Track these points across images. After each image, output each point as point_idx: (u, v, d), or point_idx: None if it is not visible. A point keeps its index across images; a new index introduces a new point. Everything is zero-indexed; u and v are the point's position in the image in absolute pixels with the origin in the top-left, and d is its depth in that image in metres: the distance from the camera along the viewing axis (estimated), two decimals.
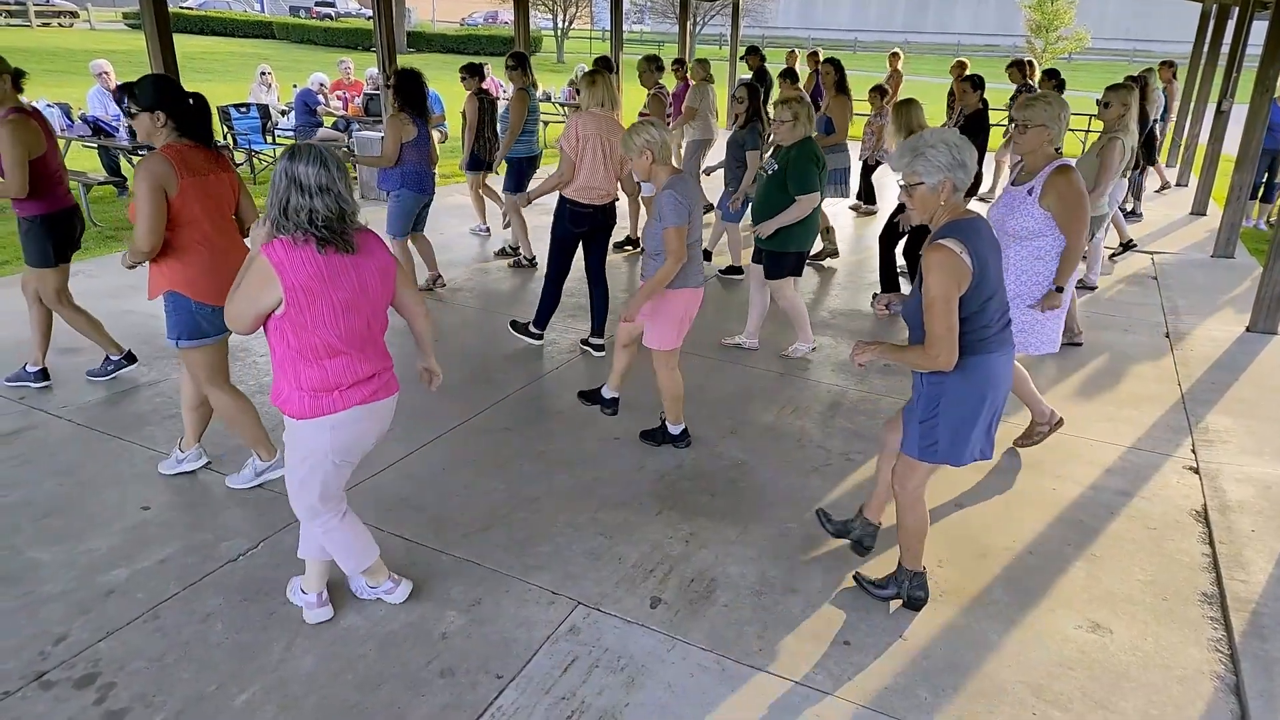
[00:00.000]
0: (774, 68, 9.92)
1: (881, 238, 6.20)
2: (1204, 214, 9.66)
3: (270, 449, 3.65)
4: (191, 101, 3.32)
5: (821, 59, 10.33)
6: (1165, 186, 11.17)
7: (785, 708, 2.57)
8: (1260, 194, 9.42)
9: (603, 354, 5.25)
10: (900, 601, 3.01)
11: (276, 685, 2.59)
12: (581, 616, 2.93)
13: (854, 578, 3.12)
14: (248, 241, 3.04)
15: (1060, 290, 3.86)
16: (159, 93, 3.23)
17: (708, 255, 7.16)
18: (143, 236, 3.17)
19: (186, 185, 3.22)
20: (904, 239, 6.08)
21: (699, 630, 2.88)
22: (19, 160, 3.97)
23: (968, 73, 7.45)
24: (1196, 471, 4.03)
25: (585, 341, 5.33)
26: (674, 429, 4.12)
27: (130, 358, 4.72)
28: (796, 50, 11.14)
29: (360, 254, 2.47)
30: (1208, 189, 9.70)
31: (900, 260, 6.30)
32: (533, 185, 5.96)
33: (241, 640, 2.77)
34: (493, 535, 3.37)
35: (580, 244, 5.11)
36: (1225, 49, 10.75)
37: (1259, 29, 9.95)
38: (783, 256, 5.00)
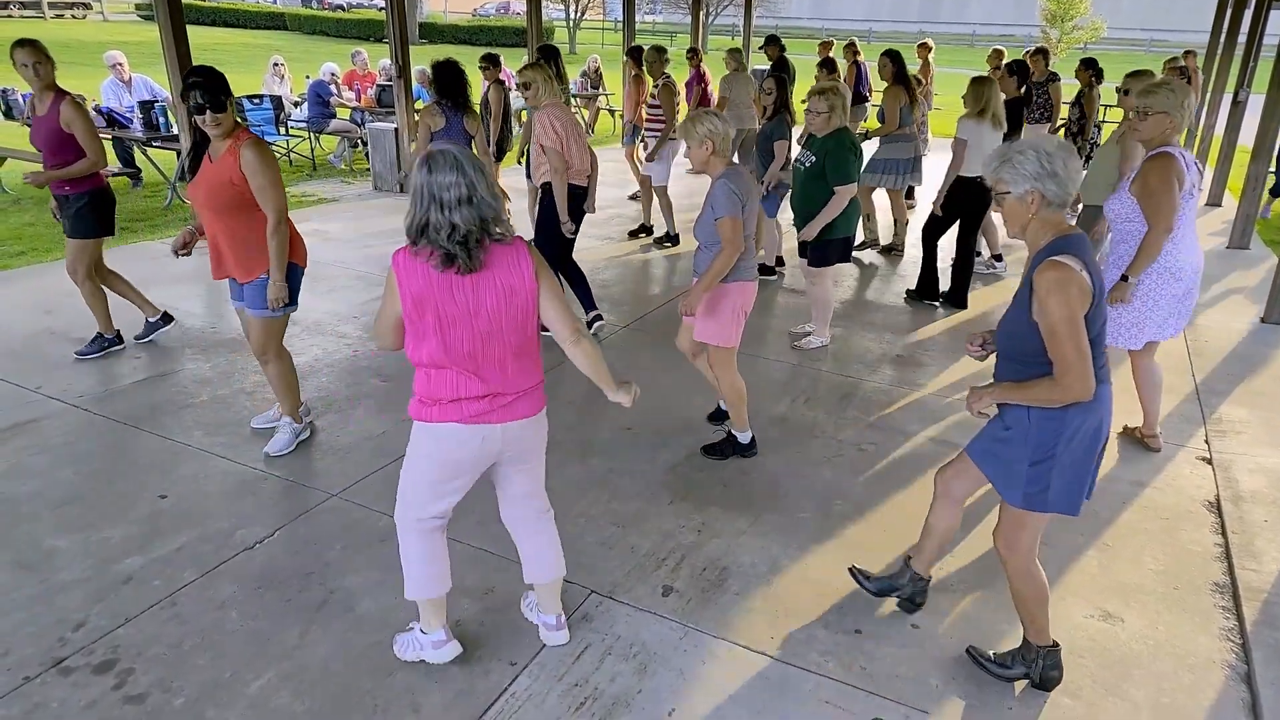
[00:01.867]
0: (792, 58, 9.87)
1: (925, 231, 6.09)
2: (1219, 205, 9.58)
3: (298, 417, 3.97)
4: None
5: (857, 51, 10.27)
6: None
7: (797, 695, 2.58)
8: (1272, 186, 9.29)
9: (602, 321, 5.40)
10: (1029, 682, 2.64)
11: (292, 672, 2.62)
12: (594, 605, 2.95)
13: (968, 652, 2.74)
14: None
15: (1126, 280, 3.68)
16: (223, 81, 3.46)
17: (773, 267, 6.93)
18: (282, 212, 3.56)
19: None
20: (952, 227, 5.97)
21: (710, 618, 2.89)
22: (96, 134, 4.49)
23: (1005, 61, 7.38)
24: (1210, 462, 4.01)
25: (589, 324, 5.36)
26: (742, 437, 3.94)
27: (119, 339, 4.96)
28: (834, 40, 11.02)
29: (484, 270, 2.29)
30: (1223, 180, 9.61)
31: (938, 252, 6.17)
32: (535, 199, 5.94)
33: (257, 627, 2.80)
34: None
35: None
36: (1242, 39, 10.61)
37: (1276, 19, 9.84)
38: (828, 245, 5.01)
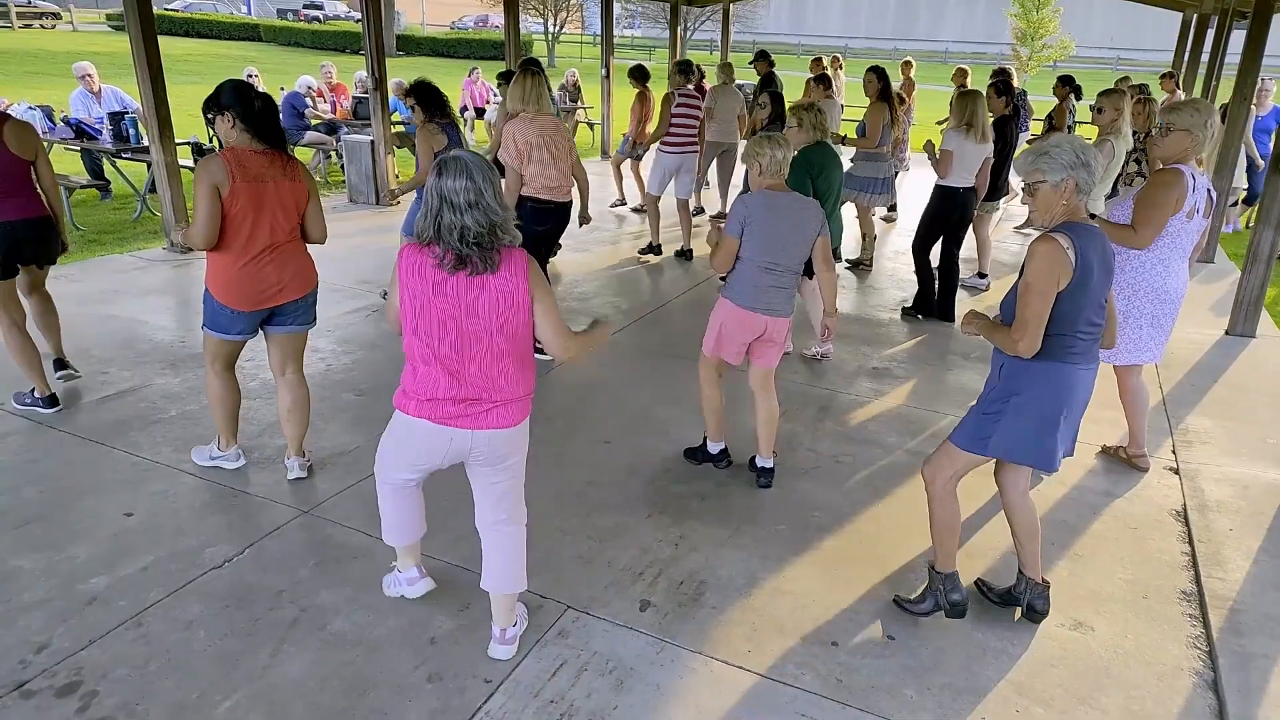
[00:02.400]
0: (779, 74, 9.96)
1: (915, 248, 6.10)
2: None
3: (230, 442, 3.81)
4: (259, 104, 3.33)
5: (847, 66, 10.38)
6: None
7: (773, 709, 2.58)
8: (1247, 199, 9.52)
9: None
10: (942, 613, 2.91)
11: (262, 692, 2.58)
12: (571, 620, 2.93)
13: (894, 601, 3.04)
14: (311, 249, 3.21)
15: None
16: (234, 93, 3.30)
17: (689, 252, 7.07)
18: (197, 233, 3.28)
19: (239, 189, 3.26)
20: (936, 242, 6.00)
21: (688, 632, 2.89)
22: None
23: (968, 82, 7.48)
24: (1176, 472, 4.08)
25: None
26: (713, 448, 3.97)
27: (52, 401, 4.30)
28: (823, 57, 11.15)
29: (484, 274, 2.36)
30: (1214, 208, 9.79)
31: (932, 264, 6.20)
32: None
33: (226, 647, 2.75)
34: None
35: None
36: (1205, 58, 10.89)
37: (1237, 38, 10.10)
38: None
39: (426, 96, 5.43)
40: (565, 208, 5.11)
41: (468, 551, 3.27)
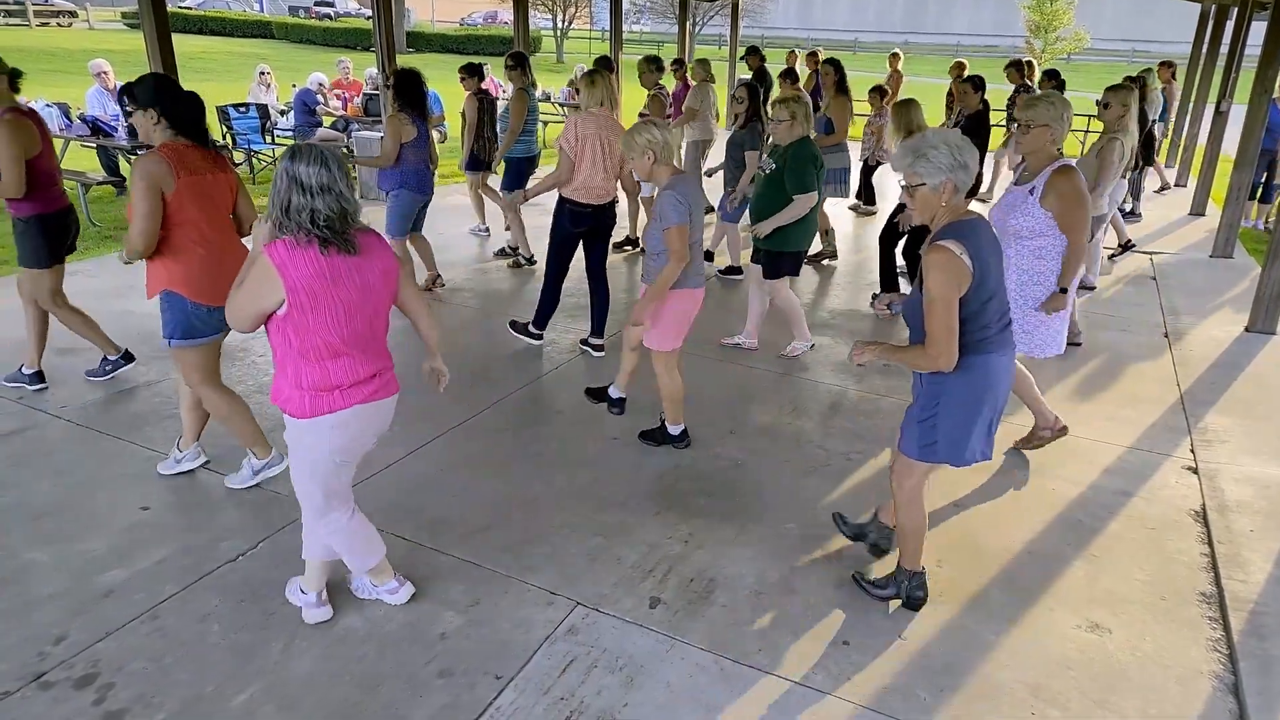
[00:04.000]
0: (774, 68, 9.92)
1: (881, 238, 6.20)
2: (1203, 214, 9.67)
3: (266, 447, 3.65)
4: (186, 100, 3.31)
5: (821, 59, 10.33)
6: (1165, 187, 11.16)
7: (784, 708, 2.57)
8: (1259, 194, 9.42)
9: (602, 354, 5.24)
10: (899, 601, 3.00)
11: (275, 686, 2.59)
12: (580, 617, 2.93)
13: (853, 578, 3.12)
14: (246, 241, 3.06)
15: (1064, 291, 3.82)
16: (156, 91, 3.25)
17: (709, 256, 7.14)
18: (137, 235, 3.18)
19: (183, 184, 3.22)
20: (904, 239, 6.07)
21: (697, 630, 2.88)
22: (15, 159, 3.96)
23: (967, 74, 7.44)
24: (1195, 471, 4.03)
25: (585, 342, 5.33)
26: (674, 429, 4.12)
27: (128, 356, 4.72)
28: (796, 50, 11.12)
29: (363, 255, 2.46)
30: (1206, 189, 9.71)
31: (900, 261, 6.30)
32: (531, 183, 5.94)
33: (240, 641, 2.76)
34: (491, 536, 3.37)
35: (580, 244, 5.11)
36: (1224, 49, 10.75)
37: (1258, 29, 9.95)
38: (780, 256, 5.01)
39: (403, 85, 5.48)
40: (604, 210, 5.03)
41: (475, 549, 3.28)
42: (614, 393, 4.40)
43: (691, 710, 2.55)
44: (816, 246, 7.63)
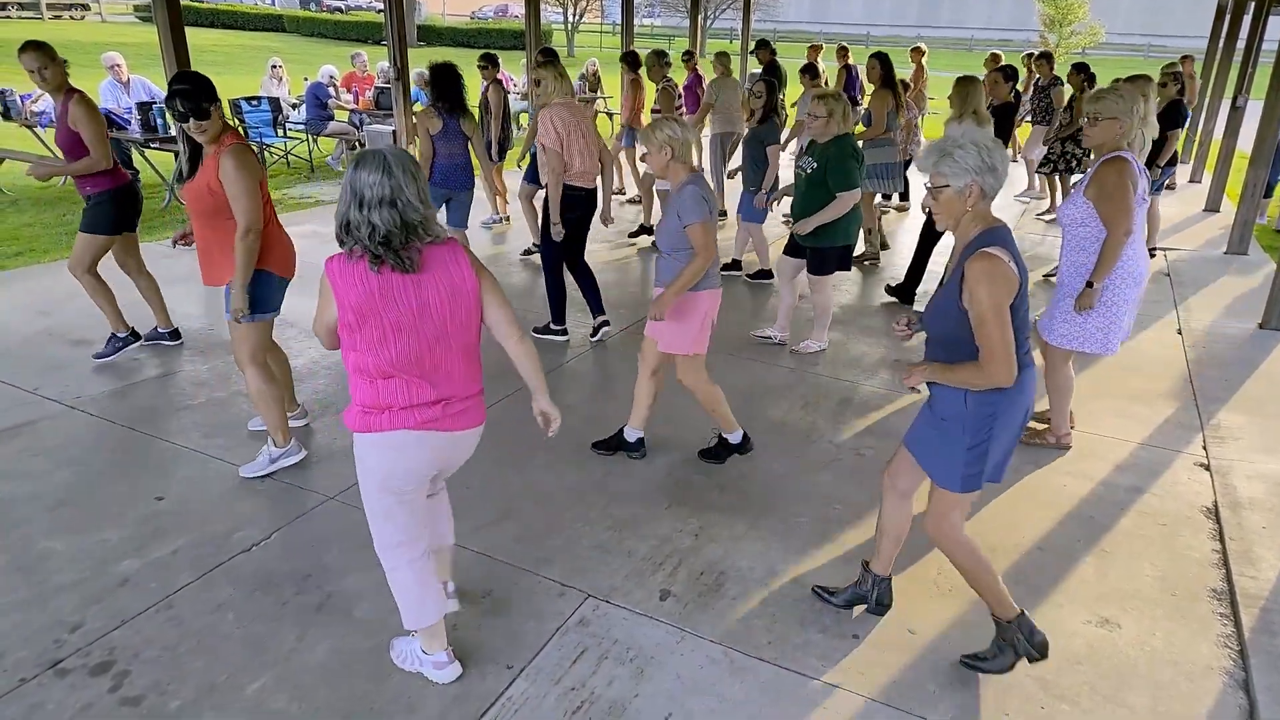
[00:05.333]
0: (784, 62, 9.88)
1: (922, 235, 6.12)
2: (1217, 210, 9.59)
3: (286, 435, 3.73)
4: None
5: (851, 55, 10.29)
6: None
7: (793, 700, 2.58)
8: (1270, 192, 9.32)
9: (609, 327, 5.38)
10: (1026, 659, 2.64)
11: (288, 675, 2.61)
12: (591, 609, 2.94)
13: (963, 663, 2.71)
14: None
15: (1091, 286, 3.70)
16: (209, 86, 3.45)
17: (737, 264, 6.95)
18: (255, 215, 3.43)
19: (260, 170, 3.52)
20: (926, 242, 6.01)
21: (708, 623, 2.89)
22: (102, 135, 4.44)
23: (1001, 64, 7.41)
24: (1208, 468, 4.01)
25: (594, 330, 5.35)
26: (733, 437, 3.93)
27: (134, 335, 4.91)
28: (821, 44, 11.04)
29: (425, 272, 2.24)
30: (1221, 185, 9.63)
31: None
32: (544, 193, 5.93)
33: (253, 630, 2.79)
34: (504, 528, 3.39)
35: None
36: (1241, 44, 10.64)
37: (1275, 24, 9.86)
38: (827, 252, 5.03)
39: (439, 79, 5.49)
40: (593, 195, 5.18)
41: (489, 540, 3.30)
42: (631, 434, 3.95)
43: (701, 702, 2.57)
44: (860, 247, 7.61)
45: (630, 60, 8.55)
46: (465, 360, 2.38)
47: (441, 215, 6.09)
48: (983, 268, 2.30)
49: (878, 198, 7.44)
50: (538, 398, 2.52)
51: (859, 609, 2.96)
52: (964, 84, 5.76)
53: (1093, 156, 3.83)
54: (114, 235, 4.69)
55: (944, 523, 2.57)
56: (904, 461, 2.76)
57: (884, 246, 7.46)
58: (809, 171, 4.94)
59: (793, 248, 5.26)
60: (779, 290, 5.41)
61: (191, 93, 3.32)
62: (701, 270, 3.53)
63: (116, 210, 4.64)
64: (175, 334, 5.05)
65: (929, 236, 6.09)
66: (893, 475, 2.80)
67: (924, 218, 6.21)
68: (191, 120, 3.35)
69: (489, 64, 7.53)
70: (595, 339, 5.36)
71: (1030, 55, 9.97)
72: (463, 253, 2.33)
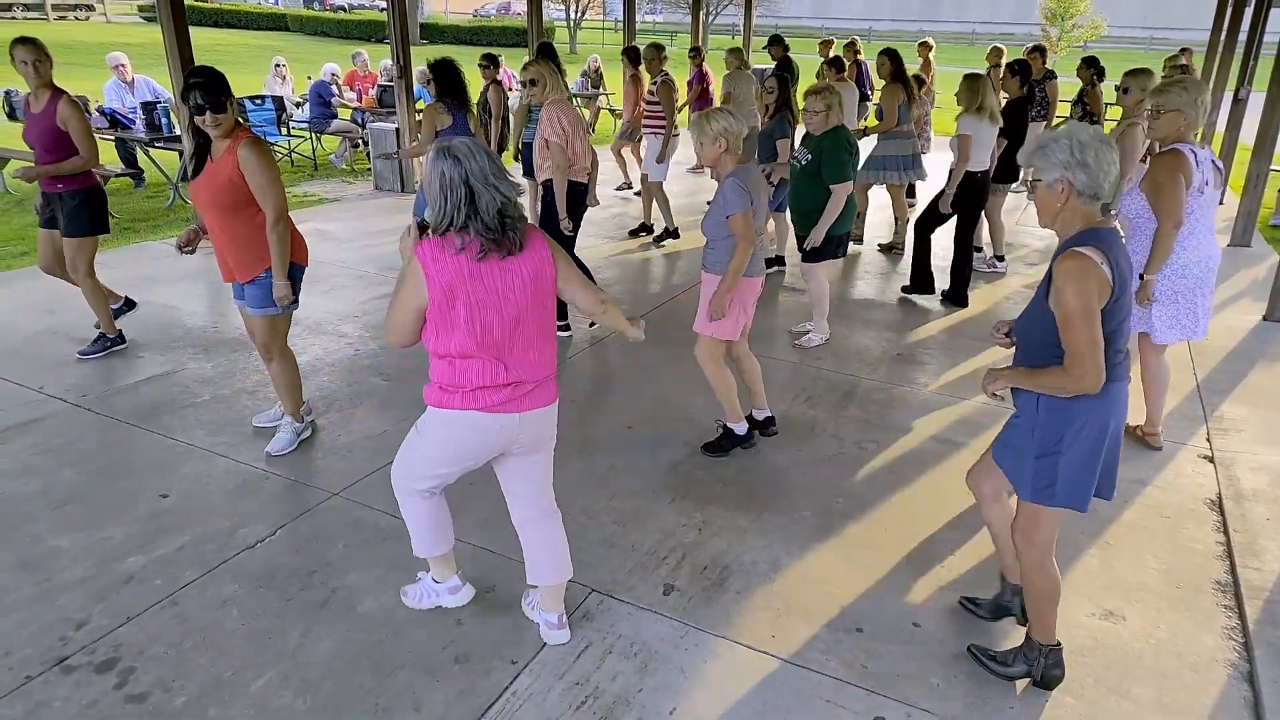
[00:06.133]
0: (793, 57, 9.85)
1: (918, 225, 6.16)
2: (1220, 203, 9.55)
3: (301, 410, 3.98)
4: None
5: (861, 49, 10.26)
6: None
7: (798, 694, 2.58)
8: None
9: (595, 327, 5.41)
10: (1030, 680, 2.62)
11: (293, 671, 2.62)
12: (595, 603, 2.95)
13: (970, 651, 2.73)
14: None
15: (1143, 279, 3.70)
16: (223, 81, 3.49)
17: (781, 260, 6.95)
18: (284, 205, 3.56)
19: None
20: (943, 224, 6.01)
21: (712, 617, 2.89)
22: (90, 132, 4.50)
23: (1006, 60, 7.39)
24: (1211, 460, 4.01)
25: (592, 321, 5.38)
26: (739, 428, 3.93)
27: (121, 338, 4.97)
28: (833, 39, 11.02)
29: (511, 255, 2.34)
30: (1224, 177, 9.58)
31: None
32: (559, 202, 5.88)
33: (259, 626, 2.80)
34: (508, 522, 3.37)
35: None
36: (1243, 36, 10.59)
37: (1276, 16, 9.81)
38: (822, 242, 5.05)
39: (442, 76, 5.51)
40: (587, 188, 5.27)
41: (492, 534, 3.30)
42: (738, 428, 3.94)
43: (706, 696, 2.57)
44: (884, 237, 7.64)
45: (632, 55, 8.55)
46: (541, 342, 2.47)
47: None
48: (1071, 267, 2.21)
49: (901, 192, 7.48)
50: (625, 329, 2.79)
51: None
52: (973, 80, 5.80)
53: (1158, 148, 3.80)
54: (98, 235, 4.75)
55: (1031, 536, 2.48)
56: (986, 465, 2.70)
57: (897, 247, 7.45)
58: (803, 163, 4.96)
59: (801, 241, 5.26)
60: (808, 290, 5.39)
61: (209, 85, 3.36)
62: (745, 259, 3.60)
63: (98, 208, 4.71)
64: (121, 338, 4.97)
65: (926, 227, 6.11)
66: (976, 480, 2.75)
67: (920, 210, 6.22)
68: (208, 114, 3.37)
69: (490, 64, 7.56)
70: (593, 326, 5.42)
71: (1027, 49, 9.90)
72: (542, 238, 2.44)
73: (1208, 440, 4.19)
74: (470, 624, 2.83)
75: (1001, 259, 6.96)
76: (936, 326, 5.70)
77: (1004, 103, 6.60)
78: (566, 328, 5.39)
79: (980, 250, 6.98)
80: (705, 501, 3.58)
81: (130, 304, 5.21)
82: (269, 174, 3.48)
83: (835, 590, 3.04)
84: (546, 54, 7.24)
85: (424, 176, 2.32)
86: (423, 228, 2.34)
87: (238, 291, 3.78)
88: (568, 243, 5.21)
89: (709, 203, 3.81)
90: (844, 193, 4.87)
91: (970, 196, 5.88)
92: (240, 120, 3.55)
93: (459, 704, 2.51)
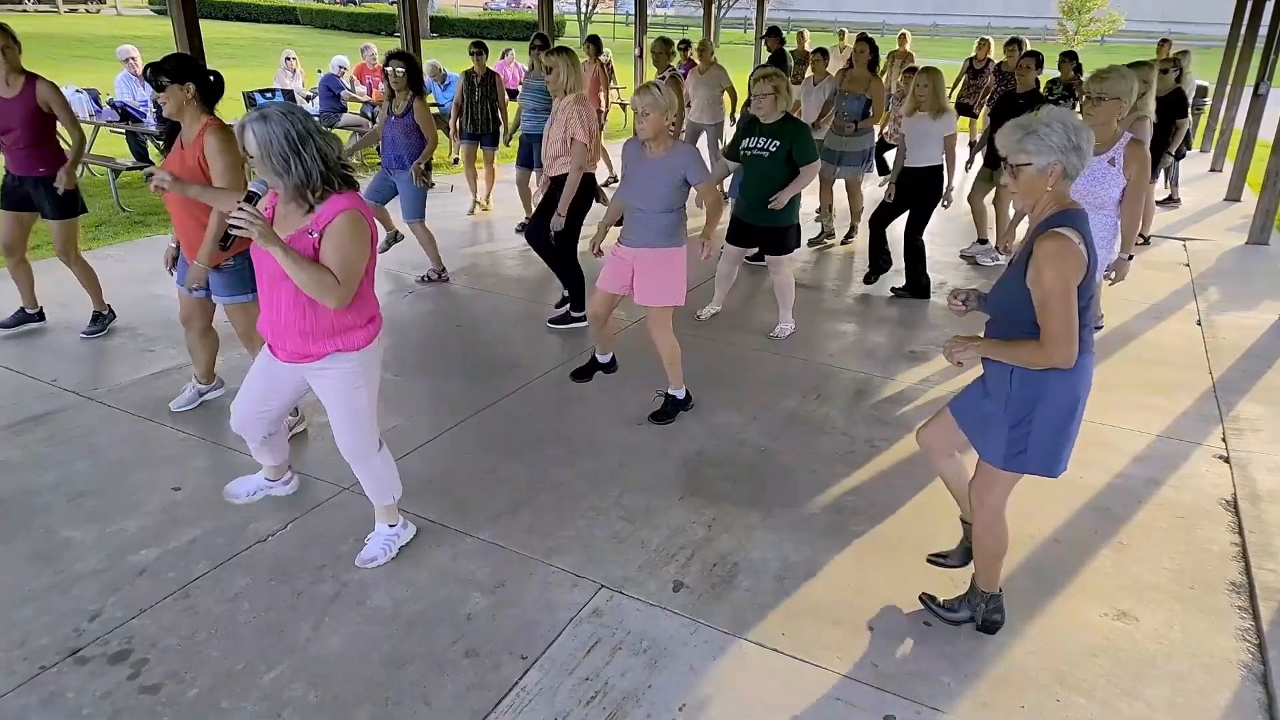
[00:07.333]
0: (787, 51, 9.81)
1: (873, 219, 6.24)
2: (1239, 200, 9.46)
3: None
4: (215, 77, 3.62)
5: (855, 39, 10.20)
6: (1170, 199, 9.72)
7: (807, 692, 2.58)
8: None
9: (584, 323, 5.38)
10: (973, 625, 2.80)
11: (304, 664, 2.64)
12: (605, 599, 2.95)
13: (921, 599, 2.89)
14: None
15: (1131, 259, 4.14)
16: (191, 67, 3.55)
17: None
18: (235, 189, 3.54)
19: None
20: (909, 227, 6.01)
21: (721, 614, 2.89)
22: (70, 109, 4.67)
23: (990, 53, 7.35)
24: (1227, 460, 3.97)
25: (578, 318, 5.37)
26: (678, 393, 4.22)
27: (112, 313, 5.16)
28: (845, 31, 10.97)
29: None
30: (1243, 174, 9.49)
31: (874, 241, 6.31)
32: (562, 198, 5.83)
33: (269, 619, 2.81)
34: (517, 518, 3.40)
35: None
36: (1264, 30, 10.46)
37: None
38: (789, 229, 5.11)
39: (413, 70, 5.66)
40: (594, 179, 5.30)
41: (503, 530, 3.31)
42: (602, 358, 4.58)
43: (715, 693, 2.57)
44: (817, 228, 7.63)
45: (594, 43, 8.86)
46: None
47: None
48: (1052, 248, 2.26)
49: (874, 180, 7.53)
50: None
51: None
52: (916, 76, 5.82)
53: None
54: (82, 213, 4.93)
55: (988, 496, 2.61)
56: (941, 425, 2.78)
57: (854, 239, 7.50)
58: (771, 151, 4.88)
59: (738, 236, 5.23)
60: (720, 271, 5.43)
61: (161, 63, 3.49)
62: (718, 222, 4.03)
63: (76, 189, 4.85)
64: (41, 314, 5.18)
65: (882, 218, 6.16)
66: (928, 437, 2.85)
67: (877, 205, 6.27)
68: (160, 91, 3.51)
69: (480, 50, 7.96)
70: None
71: (1004, 44, 9.72)
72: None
73: (1223, 440, 4.16)
74: (480, 619, 2.84)
75: (984, 242, 7.00)
76: (948, 325, 5.66)
77: (1023, 94, 6.49)
78: (585, 318, 5.36)
79: (985, 242, 6.96)
80: (714, 498, 3.58)
81: (113, 314, 5.20)
82: (229, 159, 3.53)
83: (845, 588, 3.03)
84: (596, 46, 7.72)
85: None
86: (250, 198, 2.52)
87: (180, 276, 3.87)
88: (568, 237, 5.16)
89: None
90: (815, 170, 4.95)
91: (921, 191, 5.89)
92: (211, 112, 3.60)
93: (469, 698, 2.52)
